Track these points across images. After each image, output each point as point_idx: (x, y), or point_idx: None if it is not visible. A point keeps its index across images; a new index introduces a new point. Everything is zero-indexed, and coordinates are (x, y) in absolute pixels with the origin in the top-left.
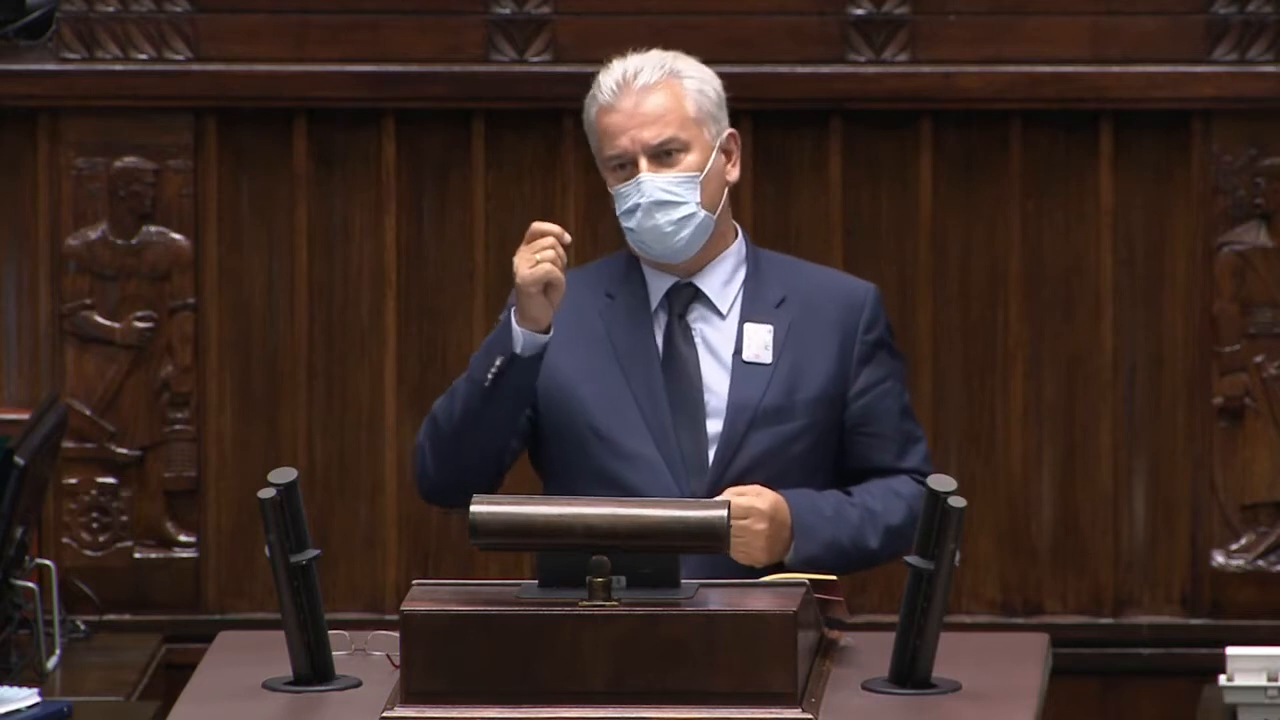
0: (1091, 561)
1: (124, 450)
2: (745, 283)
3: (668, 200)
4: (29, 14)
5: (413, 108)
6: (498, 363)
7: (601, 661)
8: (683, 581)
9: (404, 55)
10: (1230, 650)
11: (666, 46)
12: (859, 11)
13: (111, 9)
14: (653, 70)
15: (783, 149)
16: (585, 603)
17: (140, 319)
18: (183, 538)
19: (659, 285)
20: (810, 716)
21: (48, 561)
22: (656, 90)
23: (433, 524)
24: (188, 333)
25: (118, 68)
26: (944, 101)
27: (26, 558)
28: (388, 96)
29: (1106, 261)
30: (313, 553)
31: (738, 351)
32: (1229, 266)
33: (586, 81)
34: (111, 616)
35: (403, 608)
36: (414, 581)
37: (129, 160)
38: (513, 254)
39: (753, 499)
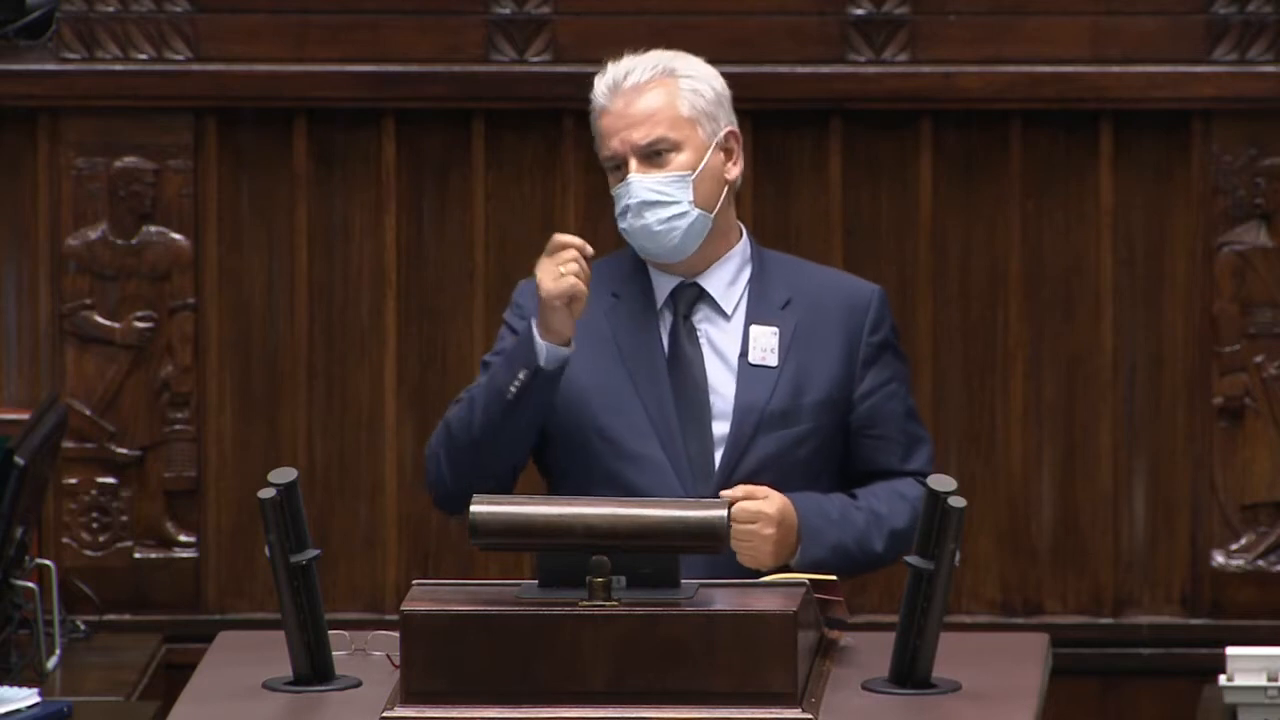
0: (1091, 561)
1: (124, 450)
2: (750, 283)
3: (656, 200)
4: (29, 14)
5: (413, 108)
6: (521, 376)
7: (601, 661)
8: (683, 582)
9: (404, 55)
10: (1230, 650)
11: (667, 46)
12: (859, 11)
13: (111, 9)
14: (645, 70)
15: (783, 149)
16: (585, 603)
17: (140, 319)
18: (183, 538)
19: (664, 285)
20: (810, 716)
21: (48, 561)
22: (647, 90)
23: (433, 524)
24: (188, 333)
25: (118, 68)
26: (944, 101)
27: (26, 558)
28: (388, 96)
29: (1106, 261)
30: (313, 553)
31: (743, 354)
32: (1229, 266)
33: (586, 81)
34: (111, 616)
35: (403, 608)
36: (414, 581)
37: (129, 160)
38: (513, 254)
39: (760, 503)
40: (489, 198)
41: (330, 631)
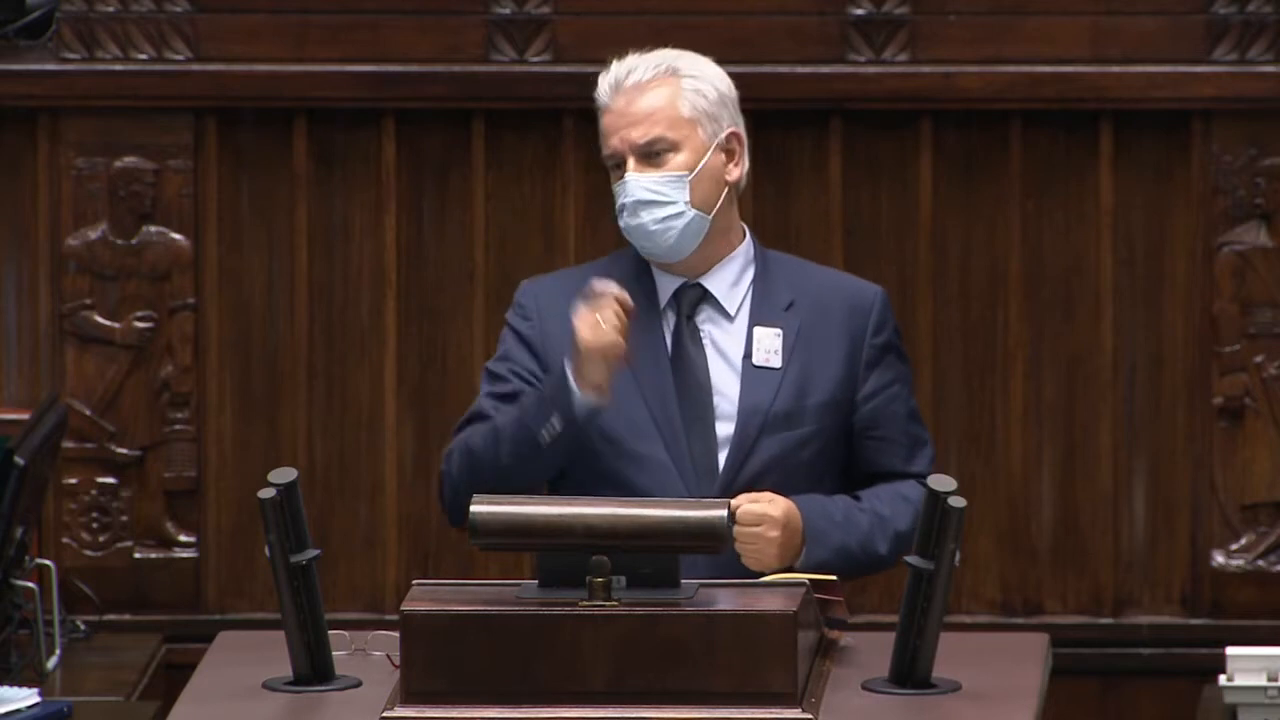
0: (1091, 561)
1: (124, 450)
2: (753, 284)
3: (652, 200)
4: (29, 14)
5: (413, 108)
6: (557, 424)
7: (601, 661)
8: (683, 582)
9: (404, 55)
10: (1230, 650)
11: (666, 46)
12: (859, 11)
13: (111, 9)
14: (648, 69)
15: (783, 149)
16: (585, 603)
17: (140, 319)
18: (183, 538)
19: (667, 285)
20: (810, 716)
21: (48, 561)
22: (649, 89)
23: (433, 524)
24: (188, 333)
25: (118, 68)
26: (944, 101)
27: (26, 558)
28: (388, 96)
29: (1106, 261)
30: (313, 553)
31: (747, 355)
32: (1229, 266)
33: (586, 81)
34: (111, 616)
35: (403, 608)
36: (414, 581)
37: (129, 160)
38: (513, 254)
39: (766, 506)
40: (489, 198)
41: (330, 631)
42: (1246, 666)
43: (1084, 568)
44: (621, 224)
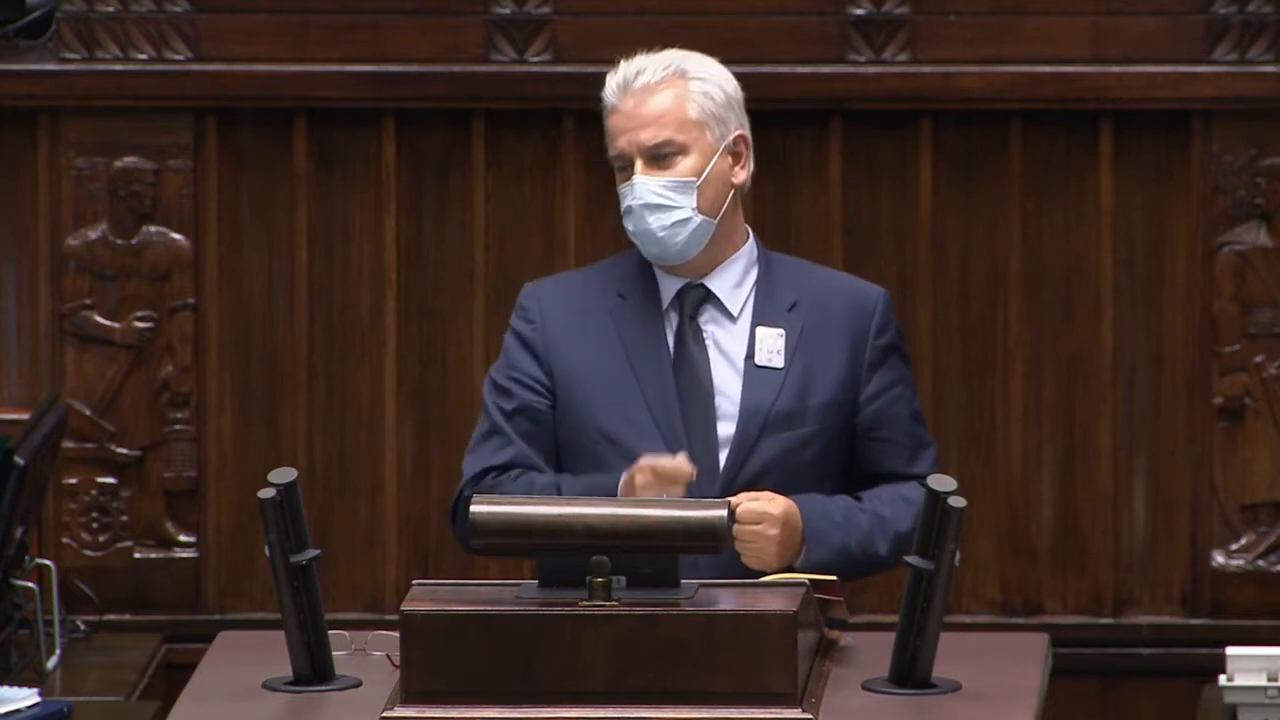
0: (1091, 561)
1: (124, 450)
2: (756, 285)
3: (660, 204)
4: (29, 14)
5: (413, 108)
6: None
7: (601, 661)
8: (683, 582)
9: (404, 55)
10: (1230, 650)
11: (666, 46)
12: (859, 11)
13: (111, 9)
14: (656, 70)
15: (783, 149)
16: (585, 603)
17: (140, 319)
18: (183, 538)
19: (670, 286)
20: (810, 716)
21: (48, 561)
22: (658, 91)
23: (433, 524)
24: (188, 333)
25: (118, 68)
26: (944, 101)
27: (26, 558)
28: (388, 96)
29: (1106, 261)
30: (313, 553)
31: (749, 355)
32: (1229, 266)
33: (586, 81)
34: (111, 616)
35: (403, 608)
36: (414, 581)
37: (129, 160)
38: (513, 254)
39: (766, 505)
40: (489, 198)
41: (330, 631)
42: (1246, 666)
43: (1084, 568)
44: (627, 226)
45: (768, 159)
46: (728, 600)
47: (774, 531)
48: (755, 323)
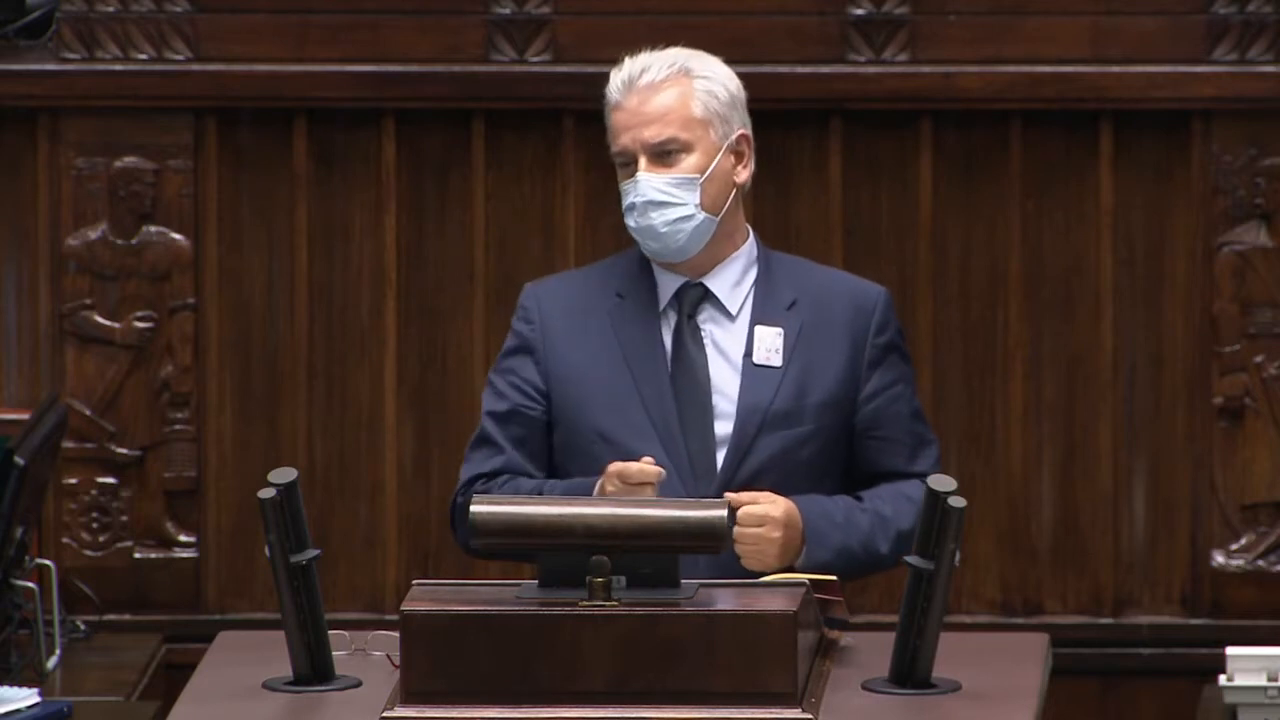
0: (1091, 561)
1: (124, 450)
2: (756, 284)
3: (663, 201)
4: (29, 14)
5: (413, 108)
6: None
7: (601, 661)
8: (683, 582)
9: (404, 55)
10: (1230, 650)
11: (666, 46)
12: (859, 11)
13: (111, 9)
14: (661, 68)
15: (783, 149)
16: (585, 603)
17: (140, 319)
18: (183, 538)
19: (669, 285)
20: (810, 716)
21: (48, 561)
22: (662, 89)
23: (433, 524)
24: (188, 333)
25: (118, 68)
26: (944, 101)
27: (26, 558)
28: (388, 96)
29: (1106, 261)
30: (313, 553)
31: (748, 354)
32: (1229, 266)
33: (587, 81)
34: (111, 616)
35: (403, 608)
36: (414, 581)
37: (129, 160)
38: (513, 254)
39: (767, 506)
40: (489, 198)
41: (330, 631)
42: (1246, 666)
43: (1084, 568)
44: (629, 223)
45: (768, 159)
46: (728, 600)
47: (775, 534)
48: (754, 321)
